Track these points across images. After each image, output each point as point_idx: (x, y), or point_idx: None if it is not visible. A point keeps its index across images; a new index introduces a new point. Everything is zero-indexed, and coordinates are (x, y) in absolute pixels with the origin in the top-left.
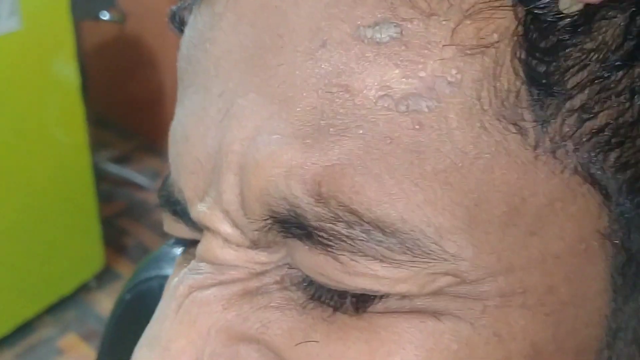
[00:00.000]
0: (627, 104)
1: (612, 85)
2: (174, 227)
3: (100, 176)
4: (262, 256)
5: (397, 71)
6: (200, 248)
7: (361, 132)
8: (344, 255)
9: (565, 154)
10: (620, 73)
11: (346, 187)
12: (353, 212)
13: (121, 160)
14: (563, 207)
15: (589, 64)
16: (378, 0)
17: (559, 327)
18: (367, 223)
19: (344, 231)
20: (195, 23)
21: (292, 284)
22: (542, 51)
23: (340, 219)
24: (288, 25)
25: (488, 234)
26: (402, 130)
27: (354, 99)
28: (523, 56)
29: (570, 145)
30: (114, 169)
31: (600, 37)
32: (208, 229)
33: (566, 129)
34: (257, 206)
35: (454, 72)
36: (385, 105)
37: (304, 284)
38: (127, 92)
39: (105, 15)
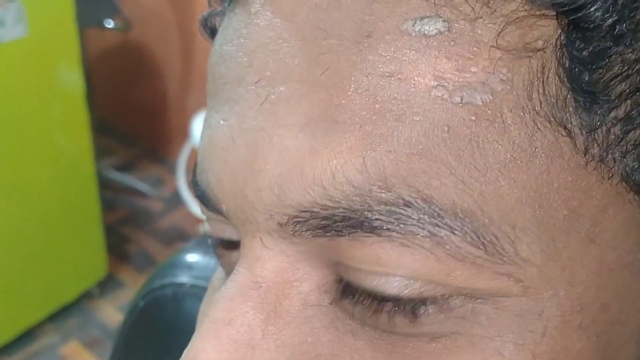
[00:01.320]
0: None
1: None
2: (219, 228)
3: (103, 183)
4: (302, 264)
5: (449, 64)
6: (241, 258)
7: (418, 118)
8: (401, 238)
9: (612, 161)
10: None
11: (418, 173)
12: (427, 199)
13: (124, 167)
14: (615, 213)
15: (631, 75)
16: (421, 0)
17: (607, 348)
18: (443, 210)
19: (413, 216)
20: (230, 23)
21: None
22: (584, 60)
23: (410, 205)
24: (330, 20)
25: (554, 240)
26: (459, 120)
27: (407, 86)
28: (567, 64)
29: (617, 153)
30: (116, 176)
31: None
32: (247, 235)
33: (612, 137)
34: (305, 198)
35: (504, 70)
36: (439, 95)
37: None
38: (130, 99)
39: (109, 23)
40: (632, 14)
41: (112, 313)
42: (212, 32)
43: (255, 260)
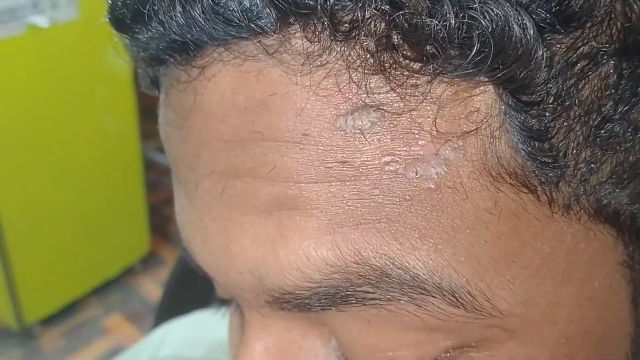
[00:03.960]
0: (630, 144)
1: (612, 134)
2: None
3: (146, 165)
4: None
5: (395, 142)
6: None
7: (377, 192)
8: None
9: (578, 205)
10: (617, 121)
11: (389, 241)
12: (402, 267)
13: None
14: (587, 247)
15: (583, 126)
16: (348, 95)
17: None
18: (419, 276)
19: (393, 284)
20: (168, 103)
21: None
22: (532, 129)
23: (388, 276)
24: (263, 122)
25: (531, 289)
26: (420, 191)
27: (359, 169)
28: (514, 132)
29: (583, 196)
30: (159, 158)
31: (588, 96)
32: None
33: (575, 184)
34: (285, 282)
35: (454, 139)
36: (393, 169)
37: None
38: None
39: None
40: (571, 67)
41: (152, 288)
42: (153, 84)
43: (260, 330)
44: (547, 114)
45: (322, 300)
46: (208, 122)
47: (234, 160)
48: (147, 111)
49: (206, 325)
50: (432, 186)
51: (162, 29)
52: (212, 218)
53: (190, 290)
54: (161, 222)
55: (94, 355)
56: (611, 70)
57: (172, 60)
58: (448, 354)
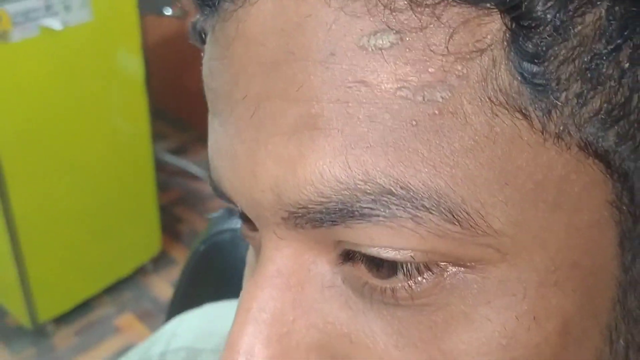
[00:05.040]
0: (617, 85)
1: (601, 72)
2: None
3: (157, 166)
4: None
5: (408, 68)
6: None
7: (388, 117)
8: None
9: (569, 135)
10: (606, 60)
11: (395, 164)
12: (405, 186)
13: (178, 151)
14: (577, 178)
15: (576, 59)
16: (373, 15)
17: (583, 298)
18: (420, 194)
19: (395, 202)
20: (214, 39)
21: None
22: (530, 53)
23: (391, 193)
24: (297, 44)
25: (523, 212)
26: (424, 115)
27: (373, 91)
28: (515, 58)
29: (572, 127)
30: (170, 159)
31: (583, 31)
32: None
33: (566, 114)
34: (300, 197)
35: (459, 67)
36: (404, 95)
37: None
38: (184, 86)
39: (168, 11)
40: (569, 2)
41: (164, 287)
42: (202, 37)
43: (274, 251)
44: (544, 40)
45: (332, 215)
46: (248, 48)
47: (267, 83)
48: (159, 113)
49: (217, 317)
50: (436, 111)
51: None
52: (240, 141)
53: (201, 288)
54: (172, 222)
55: (106, 353)
56: (604, 12)
57: None
58: (441, 268)
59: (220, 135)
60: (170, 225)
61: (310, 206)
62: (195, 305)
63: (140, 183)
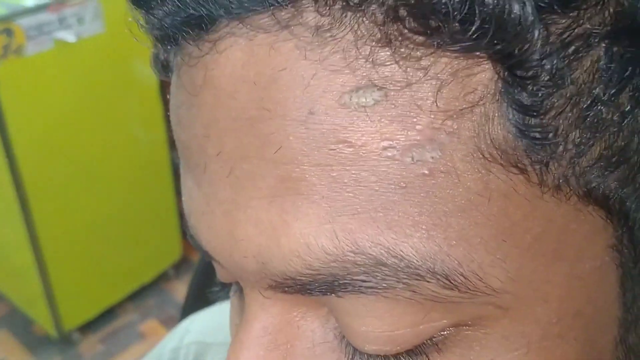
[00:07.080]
0: (618, 130)
1: (601, 118)
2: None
3: (176, 172)
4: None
5: (393, 126)
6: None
7: (375, 179)
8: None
9: (568, 186)
10: (606, 105)
11: (384, 230)
12: (397, 255)
13: None
14: (577, 228)
15: (574, 106)
16: (354, 70)
17: (586, 345)
18: (413, 263)
19: (389, 273)
20: (179, 83)
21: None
22: (525, 105)
23: (383, 264)
24: (271, 99)
25: (523, 267)
26: (414, 177)
27: (358, 152)
28: (509, 110)
29: (572, 178)
30: None
31: (581, 77)
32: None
33: (564, 164)
34: (287, 268)
35: (449, 122)
36: (390, 155)
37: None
38: None
39: None
40: (567, 46)
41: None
42: (164, 68)
43: (260, 310)
44: (541, 90)
45: (322, 287)
46: (218, 98)
47: (242, 140)
48: None
49: (227, 313)
50: (426, 172)
51: (178, 3)
52: (218, 202)
53: (212, 288)
54: None
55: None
56: (602, 53)
57: (185, 35)
58: (444, 333)
59: (194, 192)
60: None
61: (298, 278)
62: (208, 304)
63: (160, 189)
